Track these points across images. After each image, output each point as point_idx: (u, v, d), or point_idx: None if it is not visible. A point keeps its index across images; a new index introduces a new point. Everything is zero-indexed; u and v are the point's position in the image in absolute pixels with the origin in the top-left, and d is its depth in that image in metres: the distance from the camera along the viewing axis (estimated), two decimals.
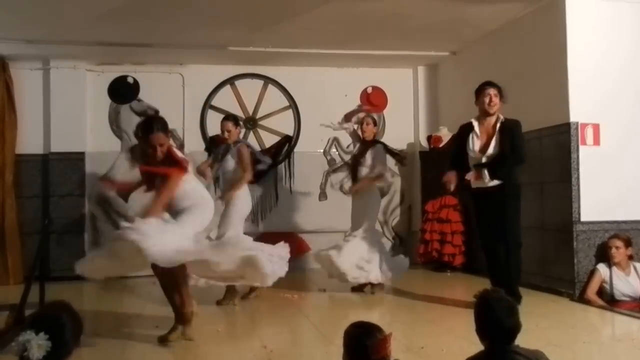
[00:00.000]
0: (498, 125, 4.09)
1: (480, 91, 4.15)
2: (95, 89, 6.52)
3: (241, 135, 5.19)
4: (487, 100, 4.08)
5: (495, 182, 4.02)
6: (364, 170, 5.03)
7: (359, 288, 4.98)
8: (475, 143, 4.10)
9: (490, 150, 4.05)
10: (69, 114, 6.34)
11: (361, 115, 5.55)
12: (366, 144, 5.10)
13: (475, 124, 4.14)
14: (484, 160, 4.06)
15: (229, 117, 4.87)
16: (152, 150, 3.39)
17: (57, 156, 6.30)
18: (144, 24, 5.31)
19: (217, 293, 4.78)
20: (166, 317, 3.63)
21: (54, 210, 6.21)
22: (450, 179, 4.17)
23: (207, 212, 3.53)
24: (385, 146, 5.15)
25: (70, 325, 1.74)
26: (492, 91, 4.09)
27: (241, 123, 4.87)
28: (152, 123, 3.45)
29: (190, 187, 3.52)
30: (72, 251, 6.23)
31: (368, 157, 5.01)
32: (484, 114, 4.13)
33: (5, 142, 6.09)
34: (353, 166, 5.17)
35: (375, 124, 5.20)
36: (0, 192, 6.04)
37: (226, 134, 4.70)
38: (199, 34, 5.61)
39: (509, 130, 4.07)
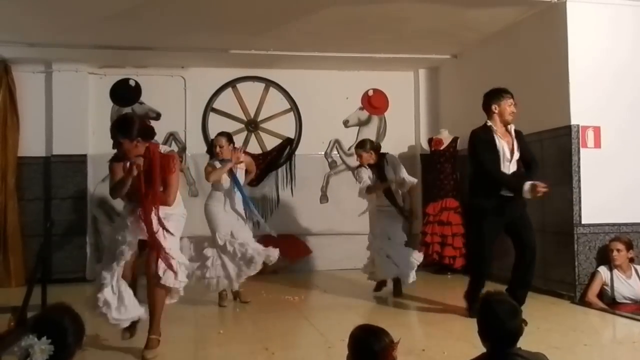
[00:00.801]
0: (513, 132, 4.04)
1: (501, 98, 3.99)
2: (98, 91, 6.54)
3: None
4: (510, 110, 3.98)
5: None
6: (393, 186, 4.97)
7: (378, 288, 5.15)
8: (505, 150, 3.99)
9: (517, 156, 4.01)
10: (71, 116, 6.35)
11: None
12: (375, 166, 4.96)
13: (497, 131, 4.00)
14: (511, 168, 3.98)
15: (223, 133, 4.90)
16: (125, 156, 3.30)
17: (59, 159, 6.32)
18: (145, 27, 5.33)
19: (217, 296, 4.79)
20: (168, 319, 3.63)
21: (56, 212, 6.23)
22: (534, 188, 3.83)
23: (183, 220, 3.54)
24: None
25: (72, 329, 1.75)
26: (512, 100, 4.00)
27: (234, 141, 4.97)
28: (114, 129, 3.35)
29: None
30: (74, 254, 6.29)
31: (390, 174, 4.95)
32: (504, 122, 4.01)
33: (7, 145, 6.10)
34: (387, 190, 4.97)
35: (368, 148, 4.97)
36: (3, 194, 6.05)
37: (218, 149, 4.74)
38: (201, 37, 5.63)
39: (522, 139, 4.07)
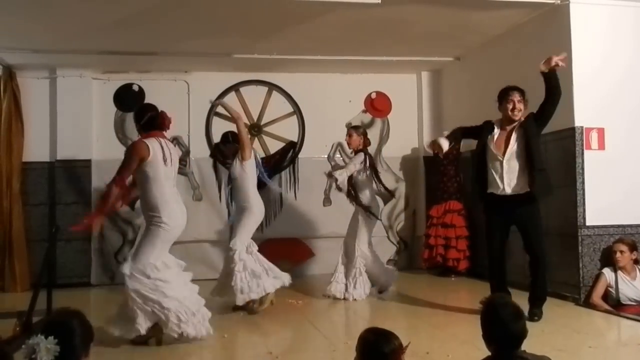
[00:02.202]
0: (516, 126, 3.97)
1: (503, 96, 4.00)
2: (101, 97, 6.57)
3: None
4: (510, 106, 3.93)
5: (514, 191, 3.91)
6: (359, 179, 5.03)
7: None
8: (493, 150, 3.99)
9: (511, 152, 3.93)
10: (75, 121, 6.39)
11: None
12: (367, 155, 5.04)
13: (497, 127, 4.02)
14: (505, 166, 3.92)
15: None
16: None
17: (63, 164, 6.35)
18: (149, 33, 5.35)
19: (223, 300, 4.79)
20: None
21: (61, 217, 6.25)
22: (437, 145, 4.09)
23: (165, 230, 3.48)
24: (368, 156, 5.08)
25: (80, 332, 1.76)
26: (516, 97, 3.95)
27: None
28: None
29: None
30: (79, 258, 6.32)
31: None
32: (508, 121, 3.99)
33: (12, 150, 6.14)
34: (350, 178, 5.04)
35: (361, 132, 5.09)
36: (8, 199, 6.08)
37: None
38: (204, 41, 5.66)
39: (524, 130, 3.94)
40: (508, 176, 3.93)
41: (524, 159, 3.92)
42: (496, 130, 4.03)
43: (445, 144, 4.09)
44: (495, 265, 4.09)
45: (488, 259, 4.16)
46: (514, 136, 3.96)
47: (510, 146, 3.95)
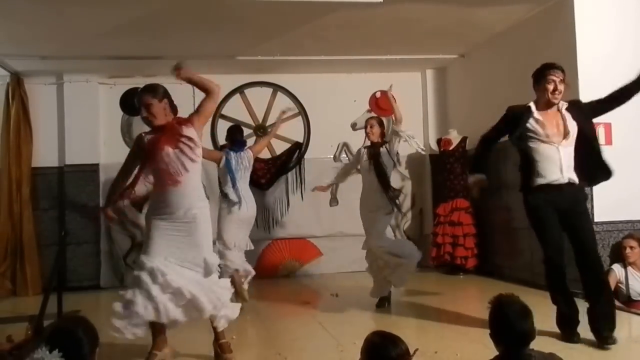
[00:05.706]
0: (564, 111, 3.41)
1: (542, 76, 3.40)
2: (108, 101, 6.61)
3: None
4: (550, 87, 3.35)
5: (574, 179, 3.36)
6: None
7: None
8: (548, 131, 3.37)
9: (572, 135, 3.36)
10: (83, 126, 6.45)
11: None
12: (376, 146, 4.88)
13: (534, 108, 3.42)
14: (562, 149, 3.35)
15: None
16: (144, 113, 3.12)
17: (72, 168, 6.41)
18: (153, 37, 5.39)
19: None
20: (183, 326, 3.64)
21: (70, 221, 6.31)
22: (477, 183, 3.59)
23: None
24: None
25: (86, 340, 1.78)
26: (556, 77, 3.37)
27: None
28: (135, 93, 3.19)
29: None
30: (88, 262, 6.37)
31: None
32: (546, 104, 3.41)
33: (21, 156, 6.22)
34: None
35: (380, 124, 4.91)
36: (18, 205, 6.16)
37: None
38: (208, 44, 5.69)
39: (578, 108, 3.42)
40: (566, 163, 3.37)
41: (577, 144, 3.41)
42: (537, 114, 3.41)
43: (482, 177, 3.66)
44: (559, 270, 3.50)
45: (547, 262, 3.53)
46: (569, 118, 3.39)
47: (569, 131, 3.37)
